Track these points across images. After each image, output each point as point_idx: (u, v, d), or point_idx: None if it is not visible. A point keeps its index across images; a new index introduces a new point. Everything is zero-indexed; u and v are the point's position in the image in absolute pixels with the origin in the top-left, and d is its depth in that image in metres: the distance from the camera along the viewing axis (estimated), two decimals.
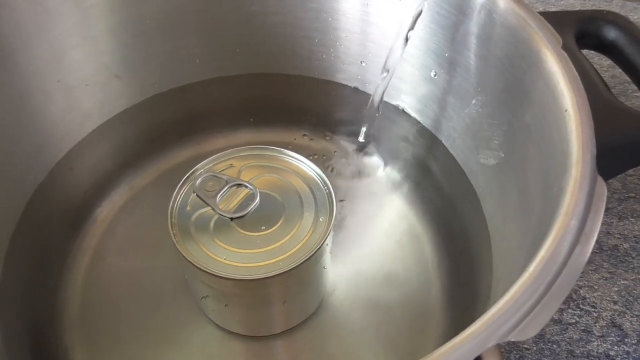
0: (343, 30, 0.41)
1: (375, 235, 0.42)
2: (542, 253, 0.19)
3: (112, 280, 0.39)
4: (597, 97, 0.26)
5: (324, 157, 0.45)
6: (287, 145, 0.45)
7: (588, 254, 0.19)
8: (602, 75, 0.57)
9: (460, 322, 0.37)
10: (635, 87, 0.52)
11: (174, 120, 0.44)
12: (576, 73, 0.25)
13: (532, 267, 0.18)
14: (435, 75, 0.37)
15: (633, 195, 0.54)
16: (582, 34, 0.30)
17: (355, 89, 0.43)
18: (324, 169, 0.44)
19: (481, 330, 0.17)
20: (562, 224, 0.19)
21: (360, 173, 0.45)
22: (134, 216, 0.42)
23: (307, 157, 0.36)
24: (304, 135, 0.46)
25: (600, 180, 0.21)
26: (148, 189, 0.43)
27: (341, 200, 0.43)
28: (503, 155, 0.32)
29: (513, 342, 0.44)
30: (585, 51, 0.32)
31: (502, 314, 0.17)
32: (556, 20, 0.29)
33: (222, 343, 0.37)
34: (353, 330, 0.38)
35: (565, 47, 0.27)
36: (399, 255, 0.41)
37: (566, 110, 0.24)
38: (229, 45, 0.42)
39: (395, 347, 0.37)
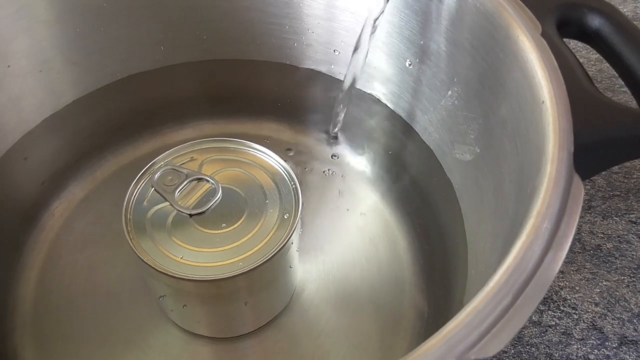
0: (315, 17, 0.38)
1: (348, 232, 0.40)
2: (509, 260, 0.17)
3: (68, 277, 0.37)
4: (578, 89, 0.24)
5: (294, 150, 0.43)
6: (255, 137, 0.43)
7: (560, 262, 0.17)
8: (589, 70, 0.55)
9: (433, 324, 0.36)
10: (623, 82, 0.50)
11: (137, 109, 0.42)
12: (555, 62, 0.23)
13: (497, 276, 0.16)
14: (410, 65, 0.35)
15: (618, 193, 0.52)
16: (564, 22, 0.29)
17: (328, 78, 0.41)
18: (294, 162, 0.42)
19: (436, 347, 0.15)
20: (533, 228, 0.17)
21: (332, 166, 0.43)
22: (94, 210, 0.40)
23: (277, 149, 0.34)
24: (274, 126, 0.44)
25: (577, 179, 0.19)
26: (109, 182, 0.41)
27: (320, 193, 0.41)
28: (479, 150, 0.30)
29: None
30: (571, 43, 0.31)
31: (460, 329, 0.15)
32: (536, 5, 0.27)
33: (184, 345, 0.35)
34: (324, 330, 0.36)
35: (544, 35, 0.25)
36: (372, 253, 0.39)
37: (543, 102, 0.22)
38: (194, 32, 0.40)
39: (366, 347, 0.36)
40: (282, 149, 0.43)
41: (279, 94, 0.43)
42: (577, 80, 0.25)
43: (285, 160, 0.34)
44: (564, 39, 0.28)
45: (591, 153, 0.23)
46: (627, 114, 0.23)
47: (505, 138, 0.26)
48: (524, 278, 0.16)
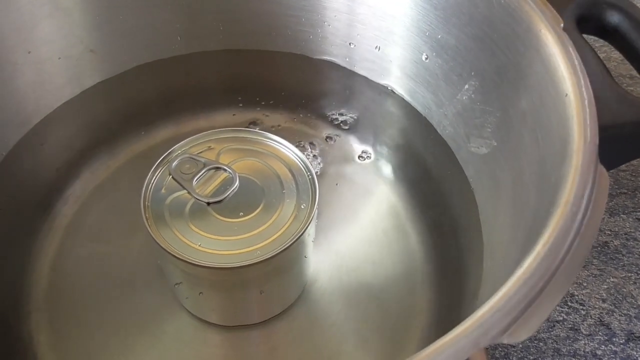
0: (331, 10, 0.39)
1: (361, 224, 0.40)
2: (539, 247, 0.17)
3: (82, 264, 0.37)
4: (598, 83, 0.24)
5: (310, 141, 0.43)
6: (270, 127, 0.43)
7: (588, 250, 0.17)
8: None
9: (446, 318, 0.36)
10: (630, 82, 0.51)
11: (152, 98, 0.42)
12: (578, 56, 0.23)
13: (527, 263, 0.17)
14: (426, 59, 0.36)
15: (625, 191, 0.52)
16: (583, 18, 0.29)
17: (344, 71, 0.42)
18: (309, 153, 0.42)
19: (471, 330, 0.15)
20: (562, 215, 0.18)
21: (346, 158, 0.43)
22: (109, 197, 0.40)
23: (291, 140, 0.35)
24: (289, 117, 0.44)
25: (602, 170, 0.19)
26: (124, 169, 0.41)
27: (336, 184, 0.41)
28: (496, 144, 0.30)
29: None
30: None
31: (494, 312, 0.15)
32: (556, 1, 0.27)
33: (196, 332, 0.35)
34: (334, 322, 0.36)
35: (565, 30, 0.26)
36: (384, 246, 0.39)
37: (567, 95, 0.22)
38: (211, 22, 0.40)
39: (377, 341, 0.36)
40: (296, 140, 0.43)
41: (295, 85, 0.43)
42: (597, 74, 0.25)
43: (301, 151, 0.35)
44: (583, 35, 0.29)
45: (612, 146, 0.23)
46: None
47: (525, 130, 0.27)
48: (555, 265, 0.17)
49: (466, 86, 0.33)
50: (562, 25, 0.25)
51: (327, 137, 0.43)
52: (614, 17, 0.29)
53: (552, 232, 0.17)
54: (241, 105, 0.43)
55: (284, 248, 0.30)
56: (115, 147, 0.42)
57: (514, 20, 0.27)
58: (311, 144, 0.43)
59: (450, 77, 0.34)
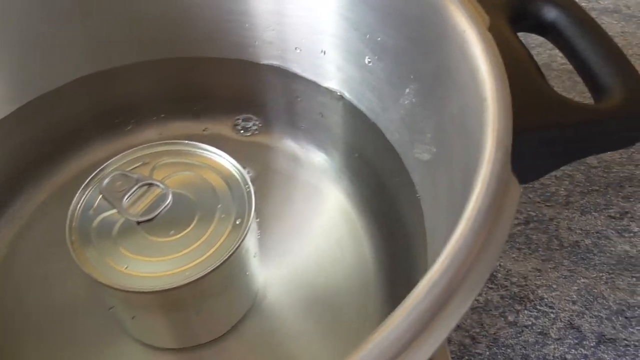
0: (274, 14, 0.37)
1: (313, 234, 0.39)
2: (433, 271, 0.15)
3: (22, 288, 0.36)
4: (527, 86, 0.22)
5: (256, 148, 0.42)
6: (217, 136, 0.42)
7: (492, 267, 0.16)
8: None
9: None
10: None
11: (95, 111, 0.41)
12: (500, 58, 0.22)
13: (418, 289, 0.15)
14: (369, 62, 0.34)
15: (597, 188, 0.51)
16: (519, 15, 0.27)
17: (292, 76, 0.40)
18: (256, 160, 0.41)
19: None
20: (462, 233, 0.16)
21: (297, 165, 0.41)
22: (50, 217, 0.39)
23: (239, 147, 0.33)
24: (234, 125, 0.42)
25: (514, 182, 0.18)
26: (67, 187, 0.40)
27: (286, 193, 0.40)
28: (435, 150, 0.29)
29: (465, 347, 0.42)
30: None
31: (388, 333, 0.14)
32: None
33: (140, 356, 0.34)
34: (287, 336, 0.35)
35: (494, 29, 0.24)
36: (337, 256, 0.38)
37: (485, 100, 0.21)
38: (152, 31, 0.39)
39: (331, 352, 0.35)
40: (244, 149, 0.41)
41: (241, 91, 0.42)
42: (527, 76, 0.23)
43: (242, 164, 0.33)
44: (521, 33, 0.27)
45: (540, 152, 0.21)
46: (576, 110, 0.22)
47: (456, 136, 0.25)
48: (449, 289, 0.15)
49: (407, 90, 0.31)
50: (488, 24, 0.24)
51: (276, 144, 0.42)
52: (550, 13, 0.27)
53: (449, 252, 0.16)
54: (187, 115, 0.42)
55: (213, 268, 0.28)
56: (59, 163, 0.40)
57: (441, 19, 0.26)
58: (257, 150, 0.41)
59: (393, 81, 0.33)
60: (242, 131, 0.42)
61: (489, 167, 0.18)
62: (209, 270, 0.28)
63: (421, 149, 0.30)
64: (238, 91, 0.42)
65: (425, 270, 0.31)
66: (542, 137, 0.22)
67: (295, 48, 0.39)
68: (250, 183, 0.32)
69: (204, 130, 0.42)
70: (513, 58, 0.23)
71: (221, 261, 0.28)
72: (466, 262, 0.15)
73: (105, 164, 0.33)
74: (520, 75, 0.22)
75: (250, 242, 0.31)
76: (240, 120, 0.42)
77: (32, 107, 0.39)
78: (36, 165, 0.40)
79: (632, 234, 0.47)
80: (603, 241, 0.48)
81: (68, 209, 0.38)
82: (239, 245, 0.29)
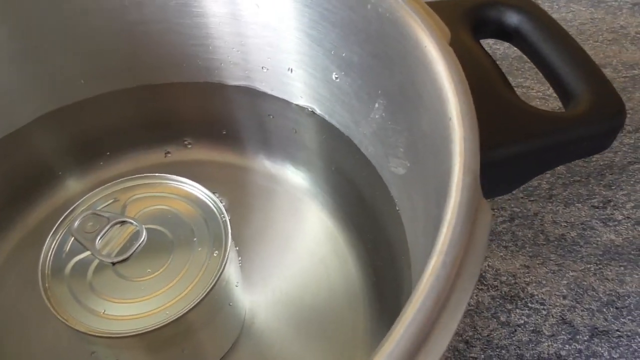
0: (236, 35, 0.37)
1: (297, 255, 0.38)
2: (407, 312, 0.15)
3: None
4: (493, 98, 0.22)
5: (231, 171, 0.41)
6: (190, 162, 0.41)
7: (466, 301, 0.15)
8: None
9: None
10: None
11: (64, 146, 0.40)
12: (462, 74, 0.21)
13: (393, 333, 0.15)
14: (337, 78, 0.34)
15: (578, 179, 0.51)
16: (481, 22, 0.27)
17: (262, 96, 0.39)
18: (232, 184, 0.40)
19: None
20: (434, 267, 0.16)
21: (275, 186, 0.41)
22: (25, 259, 0.38)
23: (213, 172, 0.33)
24: (209, 148, 0.42)
25: (484, 206, 0.17)
26: (41, 228, 0.39)
27: (267, 215, 0.39)
28: (409, 164, 0.28)
29: (459, 352, 0.41)
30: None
31: None
32: (449, 9, 0.25)
33: None
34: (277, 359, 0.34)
35: (456, 40, 0.24)
36: (322, 275, 0.37)
37: (450, 119, 0.20)
38: (115, 61, 0.38)
39: None
40: (222, 173, 0.41)
41: (213, 115, 0.41)
42: (492, 88, 0.23)
43: (220, 191, 0.33)
44: (483, 40, 0.27)
45: (510, 166, 0.21)
46: (546, 120, 0.22)
47: (428, 154, 0.25)
48: (424, 324, 0.15)
49: (376, 105, 0.31)
50: (448, 38, 0.23)
51: (249, 165, 0.41)
52: (513, 19, 0.27)
53: (421, 291, 0.15)
54: (158, 143, 0.41)
55: (194, 305, 0.28)
56: (30, 203, 0.40)
57: (402, 36, 0.25)
58: (232, 173, 0.41)
59: (361, 96, 0.32)
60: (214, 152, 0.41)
61: (458, 194, 0.17)
62: (190, 308, 0.27)
63: (395, 163, 0.30)
64: (208, 114, 0.41)
65: (409, 284, 0.30)
66: (512, 151, 0.21)
67: (262, 67, 0.38)
68: (225, 212, 0.31)
69: (167, 156, 0.41)
70: (477, 70, 0.23)
71: (201, 297, 0.28)
72: (439, 300, 0.15)
73: (75, 205, 0.32)
74: (485, 87, 0.22)
75: (231, 272, 0.30)
76: (210, 142, 0.42)
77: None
78: (5, 207, 0.39)
79: (616, 223, 0.47)
80: (588, 232, 0.47)
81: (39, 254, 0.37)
82: (218, 278, 0.28)
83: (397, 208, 0.32)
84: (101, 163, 0.41)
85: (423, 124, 0.25)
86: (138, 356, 0.30)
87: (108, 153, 0.40)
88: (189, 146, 0.42)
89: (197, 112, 0.42)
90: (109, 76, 0.38)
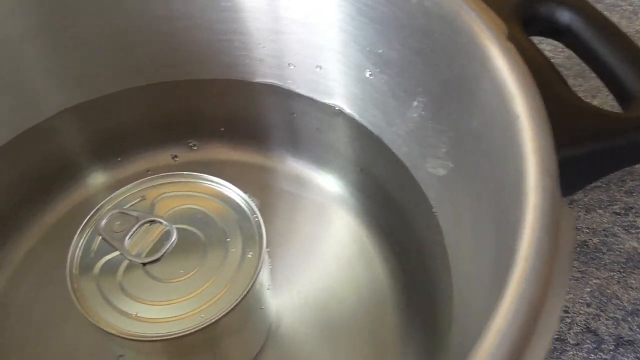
0: (264, 31, 0.36)
1: (322, 257, 0.37)
2: (498, 321, 0.14)
3: (16, 340, 0.34)
4: (552, 97, 0.21)
5: (257, 172, 0.40)
6: (214, 162, 0.40)
7: (559, 311, 0.15)
8: (557, 57, 0.53)
9: (419, 347, 0.33)
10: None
11: (83, 144, 0.38)
12: (527, 69, 0.20)
13: (486, 342, 0.14)
14: (370, 75, 0.33)
15: (599, 184, 0.50)
16: (531, 19, 0.26)
17: (287, 93, 0.38)
18: (257, 186, 0.39)
19: None
20: (521, 275, 0.15)
21: (300, 186, 0.40)
22: (44, 260, 0.37)
23: (238, 173, 0.32)
24: (233, 148, 0.41)
25: (566, 207, 0.17)
26: (59, 227, 0.38)
27: (291, 216, 0.38)
28: (452, 165, 0.27)
29: None
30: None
31: None
32: (499, 4, 0.25)
33: None
34: None
35: (511, 37, 0.23)
36: (349, 278, 0.36)
37: (518, 117, 0.19)
38: (136, 56, 0.37)
39: None
40: (244, 173, 0.40)
41: (236, 113, 0.40)
42: (549, 85, 0.22)
43: (245, 191, 0.32)
44: (532, 37, 0.26)
45: (572, 169, 0.20)
46: (609, 121, 0.21)
47: (480, 154, 0.24)
48: (519, 336, 0.14)
49: (415, 103, 0.30)
50: (506, 33, 0.22)
51: (274, 166, 0.40)
52: (564, 16, 0.26)
53: (511, 300, 0.14)
54: (182, 141, 0.40)
55: (231, 308, 0.27)
56: (48, 202, 0.38)
57: (453, 31, 0.24)
58: (258, 174, 0.39)
59: (398, 94, 0.31)
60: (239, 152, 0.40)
61: (537, 198, 0.16)
62: (228, 310, 0.26)
63: (435, 163, 0.29)
64: (232, 112, 0.40)
65: (447, 289, 0.30)
66: (578, 152, 0.20)
67: (289, 64, 0.37)
68: (258, 212, 0.30)
69: (196, 152, 0.40)
70: (533, 67, 0.22)
71: (238, 300, 0.27)
72: (530, 314, 0.14)
73: (101, 203, 0.31)
74: (543, 85, 0.21)
75: (264, 275, 0.29)
76: (234, 142, 0.41)
77: (17, 143, 0.36)
78: (22, 206, 0.38)
79: (638, 230, 0.46)
80: (611, 239, 0.47)
81: (60, 251, 0.36)
82: (255, 280, 0.27)
83: (434, 210, 0.31)
84: (120, 159, 0.39)
85: (474, 122, 0.24)
86: None
87: (129, 149, 0.39)
88: (210, 147, 0.41)
89: (218, 110, 0.40)
90: (133, 72, 0.37)
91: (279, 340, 0.34)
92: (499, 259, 0.19)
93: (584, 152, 0.21)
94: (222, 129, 0.40)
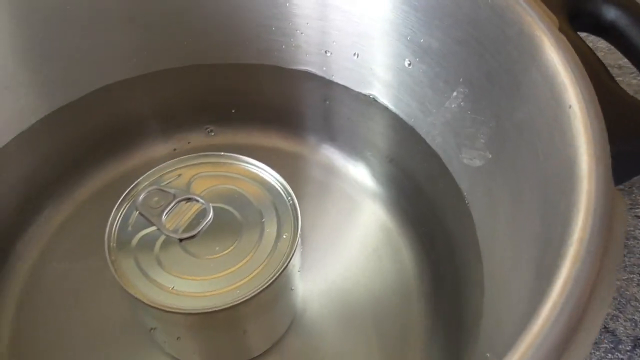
0: (303, 17, 0.36)
1: (350, 244, 0.38)
2: (554, 298, 0.14)
3: (48, 310, 0.34)
4: (601, 90, 0.21)
5: (288, 157, 0.40)
6: (246, 146, 0.40)
7: (611, 295, 0.15)
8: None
9: (444, 339, 0.34)
10: (618, 72, 0.48)
11: (117, 122, 0.39)
12: (579, 61, 0.21)
13: (541, 321, 0.14)
14: (409, 65, 0.33)
15: (621, 187, 0.50)
16: (576, 14, 0.26)
17: (322, 81, 0.39)
18: (288, 171, 0.39)
19: None
20: (577, 256, 0.15)
21: (330, 173, 0.40)
22: (75, 234, 0.37)
23: (269, 158, 0.32)
24: (265, 133, 0.41)
25: (617, 194, 0.17)
26: (90, 203, 0.38)
27: (320, 203, 0.39)
28: (490, 156, 0.28)
29: None
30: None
31: None
32: None
33: None
34: (329, 351, 0.34)
35: (561, 30, 0.23)
36: (376, 266, 0.37)
37: (570, 107, 0.20)
38: (176, 36, 0.37)
39: None
40: (275, 159, 0.40)
41: (270, 99, 0.41)
42: (598, 78, 0.22)
43: (279, 172, 0.32)
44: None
45: (621, 161, 0.20)
46: None
47: (523, 145, 0.24)
48: (574, 315, 0.14)
49: (454, 93, 0.30)
50: (558, 25, 0.23)
51: (306, 153, 0.40)
52: (610, 13, 0.26)
53: (567, 277, 0.14)
54: (215, 124, 0.40)
55: (265, 285, 0.27)
56: (80, 178, 0.39)
57: (503, 22, 0.25)
58: (289, 160, 0.40)
59: (437, 84, 0.32)
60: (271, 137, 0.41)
61: (592, 181, 0.17)
62: (262, 288, 0.27)
63: (471, 154, 0.29)
64: (266, 97, 0.40)
65: (478, 281, 0.30)
66: (627, 145, 0.21)
67: (325, 51, 0.37)
68: (293, 195, 0.31)
69: (228, 135, 0.41)
70: (582, 60, 0.22)
71: (273, 278, 0.27)
72: (584, 294, 0.14)
73: (138, 180, 0.31)
74: (592, 78, 0.21)
75: (296, 257, 0.30)
76: (266, 127, 0.41)
77: (50, 121, 0.37)
78: (55, 181, 0.38)
79: None
80: (632, 242, 0.47)
81: (92, 226, 0.36)
82: (289, 260, 0.28)
83: (467, 201, 0.32)
84: (154, 138, 0.40)
85: (518, 113, 0.25)
86: (201, 335, 0.30)
87: (164, 127, 0.40)
88: (242, 130, 0.41)
89: (252, 94, 0.41)
90: (168, 52, 0.38)
91: (305, 324, 0.34)
92: (544, 249, 0.19)
93: (630, 145, 0.21)
94: (256, 114, 0.40)
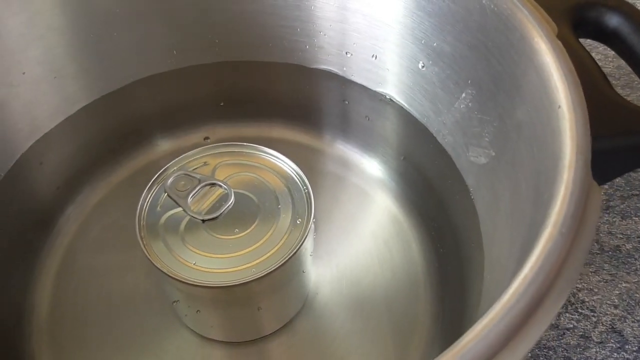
0: (326, 20, 0.38)
1: (361, 235, 0.40)
2: (526, 271, 0.16)
3: (83, 283, 0.37)
4: (595, 93, 0.23)
5: (306, 152, 0.43)
6: (267, 140, 0.43)
7: (579, 270, 0.17)
8: (607, 66, 0.54)
9: (449, 328, 0.35)
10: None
11: (150, 113, 0.42)
12: (572, 65, 0.22)
13: (514, 287, 0.16)
14: (423, 67, 0.35)
15: (637, 192, 0.51)
16: (580, 21, 0.28)
17: (341, 80, 0.41)
18: (306, 165, 0.42)
19: None
20: (550, 237, 0.17)
21: (346, 167, 0.42)
22: (108, 214, 0.40)
23: (289, 152, 0.34)
24: (286, 128, 0.43)
25: (595, 187, 0.19)
26: (123, 186, 0.41)
27: (335, 195, 0.41)
28: (494, 154, 0.29)
29: None
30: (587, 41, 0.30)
31: (475, 343, 0.15)
32: (552, 6, 0.27)
33: (197, 349, 0.35)
34: (337, 334, 0.36)
35: (560, 36, 0.25)
36: (385, 257, 0.39)
37: (559, 107, 0.21)
38: (206, 35, 0.40)
39: (380, 352, 0.35)
40: (294, 152, 0.42)
41: (291, 96, 0.43)
42: (594, 83, 0.24)
43: (297, 164, 0.34)
44: (581, 39, 0.28)
45: (609, 158, 0.22)
46: None
47: (522, 142, 0.26)
48: (541, 288, 0.16)
49: (463, 94, 0.32)
50: (556, 32, 0.24)
51: (323, 148, 0.43)
52: (612, 20, 0.28)
53: (539, 254, 0.16)
54: (239, 117, 0.43)
55: (279, 265, 0.29)
56: (114, 163, 0.42)
57: (507, 28, 0.27)
58: (307, 154, 0.42)
59: (447, 85, 0.33)
60: (291, 132, 0.43)
61: (571, 173, 0.18)
62: (276, 267, 0.29)
63: (477, 152, 0.31)
64: (288, 94, 0.43)
65: (479, 270, 0.32)
66: (613, 143, 0.22)
67: (346, 52, 0.39)
68: (308, 184, 0.33)
69: (249, 128, 0.43)
70: (580, 65, 0.24)
71: (287, 258, 0.29)
72: (553, 270, 0.16)
73: (167, 165, 0.34)
74: (588, 82, 0.23)
75: (309, 241, 0.32)
76: (287, 123, 0.44)
77: (91, 109, 0.40)
78: (92, 165, 0.41)
79: None
80: None
81: (124, 207, 0.39)
82: (302, 243, 0.30)
83: (472, 197, 0.33)
84: (181, 129, 0.43)
85: (518, 113, 0.26)
86: (219, 309, 0.32)
87: (190, 120, 0.42)
88: (265, 124, 0.44)
89: (275, 92, 0.43)
90: (200, 49, 0.40)
91: (315, 307, 0.37)
92: (529, 237, 0.21)
93: (619, 144, 0.23)
94: (279, 110, 0.42)
